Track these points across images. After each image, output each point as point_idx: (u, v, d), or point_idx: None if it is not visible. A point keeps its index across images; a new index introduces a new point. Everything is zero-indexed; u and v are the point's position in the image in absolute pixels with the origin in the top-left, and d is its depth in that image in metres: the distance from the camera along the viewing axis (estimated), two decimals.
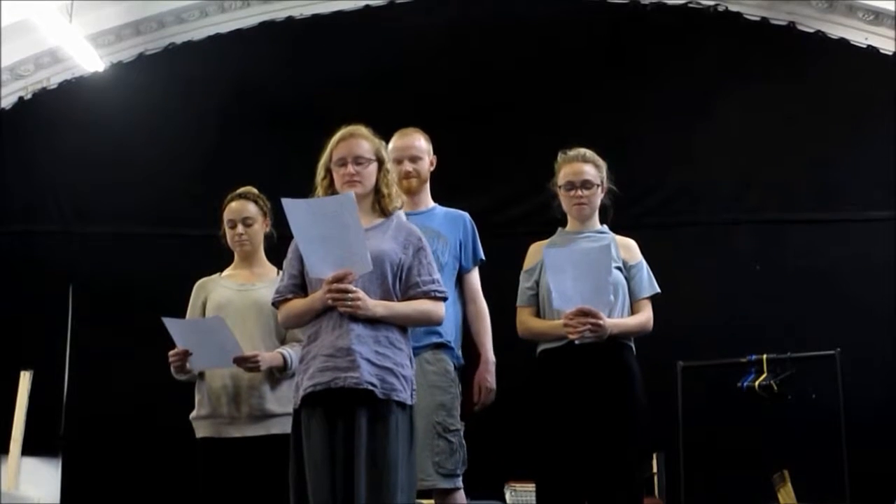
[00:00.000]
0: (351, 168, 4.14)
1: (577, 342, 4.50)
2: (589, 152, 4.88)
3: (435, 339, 4.73)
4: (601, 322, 4.46)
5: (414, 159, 4.93)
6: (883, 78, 8.41)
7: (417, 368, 4.44)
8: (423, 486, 4.52)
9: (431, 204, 5.00)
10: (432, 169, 5.03)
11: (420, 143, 4.99)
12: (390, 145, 4.83)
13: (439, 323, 4.25)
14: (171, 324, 4.68)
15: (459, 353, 4.89)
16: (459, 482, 4.71)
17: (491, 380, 4.87)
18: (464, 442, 4.74)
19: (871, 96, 8.39)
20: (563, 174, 4.82)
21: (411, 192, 4.87)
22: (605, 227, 4.87)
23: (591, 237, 4.79)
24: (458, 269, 4.90)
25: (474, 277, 4.96)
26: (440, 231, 4.83)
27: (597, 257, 4.51)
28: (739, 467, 7.74)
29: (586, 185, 4.77)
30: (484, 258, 5.00)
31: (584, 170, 4.79)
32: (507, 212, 8.35)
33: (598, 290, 4.48)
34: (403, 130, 5.03)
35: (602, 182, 4.84)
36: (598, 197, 4.82)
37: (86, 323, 8.18)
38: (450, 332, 4.79)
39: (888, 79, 8.36)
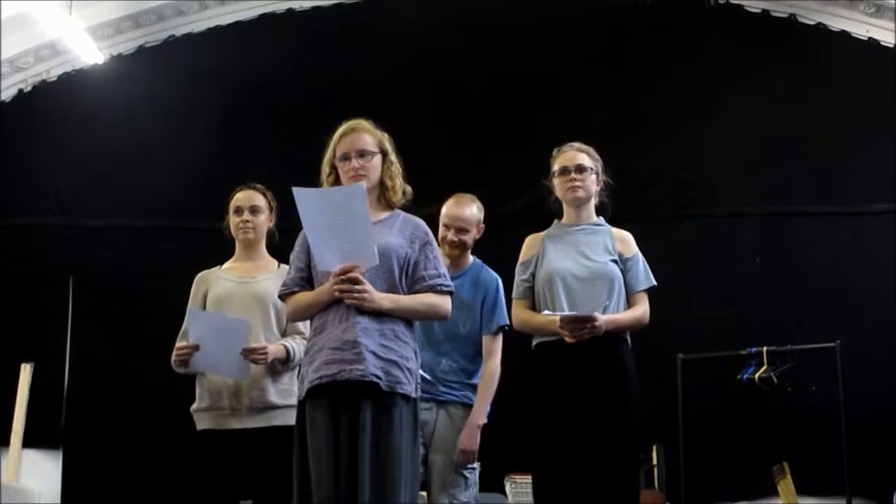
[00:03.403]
0: (355, 162, 4.13)
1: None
2: (583, 145, 4.88)
3: (468, 400, 4.88)
4: (597, 324, 4.47)
5: (461, 231, 4.98)
6: (884, 70, 8.41)
7: (445, 415, 4.75)
8: None
9: (468, 264, 5.07)
10: (478, 237, 5.08)
11: (472, 213, 5.03)
12: (444, 209, 5.00)
13: (445, 317, 4.24)
14: (193, 315, 4.71)
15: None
16: None
17: (467, 443, 4.84)
18: (478, 480, 4.88)
19: (872, 89, 8.39)
20: (558, 163, 4.83)
21: (452, 258, 4.98)
22: (602, 220, 4.86)
23: (586, 229, 4.79)
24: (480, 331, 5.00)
25: (491, 342, 4.97)
26: (467, 301, 4.91)
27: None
28: (739, 459, 7.76)
29: (580, 169, 4.77)
30: (508, 323, 4.97)
31: (578, 156, 4.80)
32: (506, 206, 8.34)
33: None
34: (459, 197, 5.09)
35: (598, 173, 4.82)
36: (594, 184, 4.80)
37: (86, 315, 8.17)
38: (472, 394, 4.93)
39: (889, 71, 8.36)
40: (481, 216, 5.08)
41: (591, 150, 4.86)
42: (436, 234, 4.50)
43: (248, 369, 4.62)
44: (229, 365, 4.62)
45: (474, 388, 4.92)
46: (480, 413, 4.88)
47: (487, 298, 4.98)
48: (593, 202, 4.85)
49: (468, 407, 4.85)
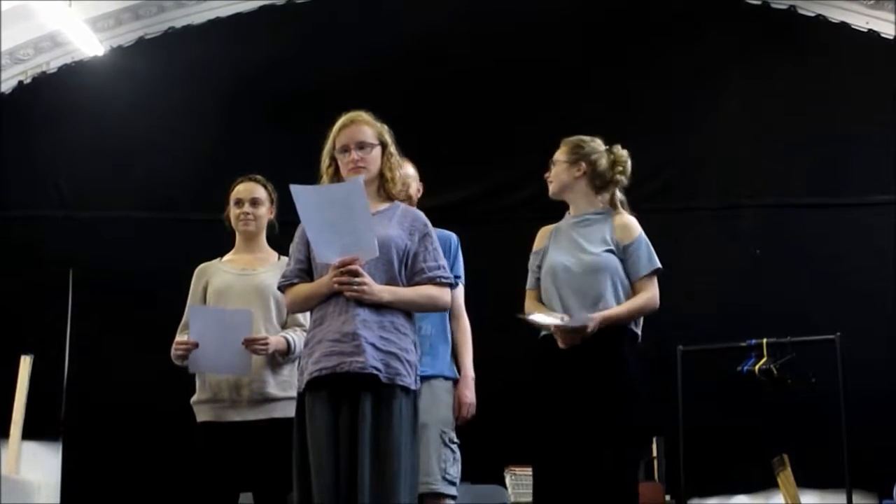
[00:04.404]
0: (355, 154, 4.14)
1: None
2: (569, 138, 4.86)
3: (450, 373, 4.87)
4: (588, 331, 4.47)
5: (403, 184, 4.95)
6: (883, 62, 8.41)
7: (429, 389, 4.64)
8: (428, 489, 4.64)
9: None
10: (419, 195, 5.04)
11: (408, 170, 4.97)
12: None
13: (445, 309, 4.28)
14: (195, 312, 4.72)
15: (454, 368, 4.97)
16: (455, 491, 4.80)
17: (469, 395, 4.89)
18: (460, 456, 4.83)
19: (872, 80, 8.39)
20: None
21: None
22: (606, 208, 4.81)
23: (586, 220, 4.76)
24: None
25: (457, 295, 4.95)
26: None
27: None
28: (739, 451, 7.77)
29: (551, 165, 4.81)
30: (462, 276, 4.98)
31: (555, 154, 4.82)
32: (510, 196, 8.37)
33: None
34: None
35: (579, 158, 4.77)
36: (564, 174, 4.76)
37: (86, 307, 8.17)
38: (451, 365, 4.91)
39: (889, 63, 8.36)
40: (416, 174, 5.05)
41: (572, 139, 4.83)
42: None
43: (249, 363, 4.62)
44: (231, 360, 4.61)
45: (451, 354, 4.92)
46: (469, 367, 4.92)
47: (451, 252, 4.96)
48: (582, 189, 4.79)
49: (449, 381, 4.84)
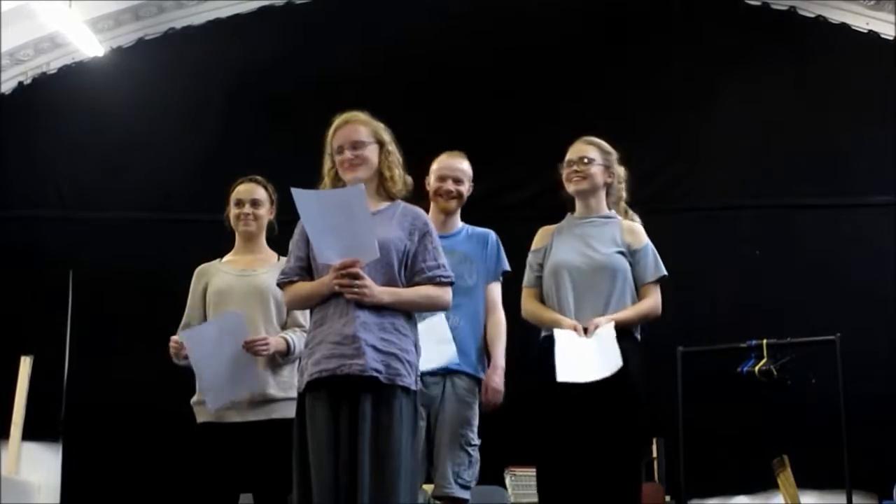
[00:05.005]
0: (349, 153, 4.14)
1: None
2: (596, 139, 4.87)
3: (474, 371, 4.86)
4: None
5: (458, 181, 5.00)
6: (884, 63, 8.41)
7: (452, 388, 4.72)
8: (441, 492, 4.70)
9: (459, 225, 5.08)
10: (469, 193, 5.07)
11: (466, 166, 5.07)
12: (436, 164, 5.01)
13: (445, 308, 4.27)
14: (189, 337, 4.66)
15: (480, 367, 4.95)
16: (469, 495, 4.81)
17: (499, 381, 4.90)
18: (479, 457, 4.83)
19: (872, 81, 8.40)
20: (567, 155, 4.84)
21: (449, 213, 4.98)
22: (613, 213, 4.84)
23: (594, 222, 4.79)
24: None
25: (494, 289, 5.02)
26: (467, 253, 4.92)
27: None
28: (739, 452, 7.77)
29: (583, 161, 4.78)
30: (508, 269, 5.04)
31: (584, 149, 4.82)
32: (510, 196, 8.36)
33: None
34: (451, 152, 5.11)
35: (609, 165, 4.81)
36: (600, 176, 4.79)
37: (85, 308, 8.16)
38: (477, 364, 4.89)
39: (889, 64, 8.36)
40: (470, 171, 5.08)
41: (602, 143, 4.86)
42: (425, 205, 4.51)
43: (256, 372, 4.61)
44: (240, 372, 4.58)
45: (480, 352, 4.92)
46: (500, 357, 4.92)
47: (489, 247, 5.01)
48: (602, 194, 4.83)
49: (473, 379, 4.84)
